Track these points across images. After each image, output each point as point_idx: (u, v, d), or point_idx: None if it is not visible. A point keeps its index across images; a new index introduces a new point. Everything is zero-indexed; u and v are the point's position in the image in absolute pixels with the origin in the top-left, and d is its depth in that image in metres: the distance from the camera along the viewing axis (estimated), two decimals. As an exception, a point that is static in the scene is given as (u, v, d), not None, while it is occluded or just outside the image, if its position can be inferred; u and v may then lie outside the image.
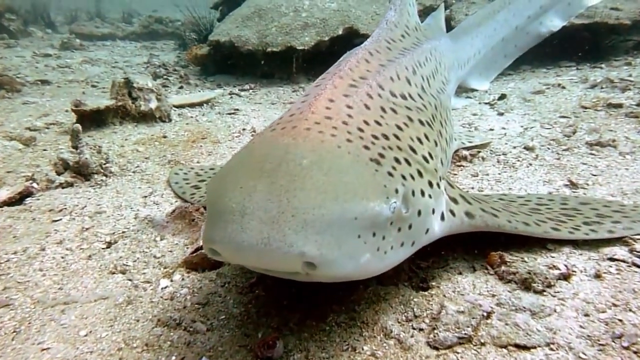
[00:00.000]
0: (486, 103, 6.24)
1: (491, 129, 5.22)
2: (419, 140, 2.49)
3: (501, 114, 5.69)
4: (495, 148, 4.63)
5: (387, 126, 2.34)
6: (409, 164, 2.20)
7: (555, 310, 2.27)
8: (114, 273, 2.94)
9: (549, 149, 4.48)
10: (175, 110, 6.70)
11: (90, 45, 14.78)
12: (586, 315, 2.23)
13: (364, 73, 2.67)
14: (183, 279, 2.82)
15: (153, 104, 6.13)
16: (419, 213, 2.17)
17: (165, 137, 5.68)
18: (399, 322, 2.30)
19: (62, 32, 17.60)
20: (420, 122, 2.66)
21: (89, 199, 3.98)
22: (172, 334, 2.35)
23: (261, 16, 8.80)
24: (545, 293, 2.40)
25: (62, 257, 3.11)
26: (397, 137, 2.31)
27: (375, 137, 2.18)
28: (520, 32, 6.02)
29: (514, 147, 4.60)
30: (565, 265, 2.53)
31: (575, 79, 6.80)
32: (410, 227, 2.11)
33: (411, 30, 3.81)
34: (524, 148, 4.52)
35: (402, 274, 2.61)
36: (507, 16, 5.85)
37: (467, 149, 4.48)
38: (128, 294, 2.69)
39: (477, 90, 6.56)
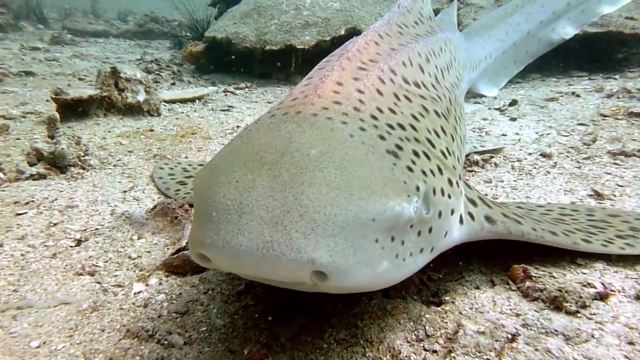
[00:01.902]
0: (496, 109, 6.10)
1: (503, 134, 5.06)
2: (436, 133, 2.25)
3: (513, 120, 5.55)
4: (509, 154, 4.46)
5: (403, 115, 2.10)
6: (428, 158, 1.96)
7: (593, 336, 2.01)
8: (80, 274, 2.68)
9: (567, 156, 4.30)
10: (165, 105, 6.48)
11: (81, 41, 14.53)
12: (630, 343, 1.98)
13: (374, 56, 2.43)
14: (160, 284, 2.58)
15: (141, 97, 5.84)
16: (440, 214, 1.91)
17: (152, 130, 5.44)
18: (408, 342, 2.05)
19: (55, 29, 17.36)
20: (436, 113, 2.42)
21: (62, 192, 3.73)
22: (142, 347, 2.08)
23: (260, 13, 8.65)
24: (579, 315, 2.15)
25: (22, 255, 2.84)
26: (413, 127, 2.07)
27: (391, 127, 1.94)
28: (532, 37, 5.85)
29: (530, 154, 4.43)
30: (602, 284, 2.29)
31: (589, 88, 6.69)
32: (430, 230, 1.87)
33: (425, 18, 3.57)
34: (541, 155, 4.35)
35: (411, 285, 2.38)
36: (520, 20, 5.68)
37: (479, 153, 4.29)
38: (94, 299, 2.43)
39: (484, 97, 6.38)
